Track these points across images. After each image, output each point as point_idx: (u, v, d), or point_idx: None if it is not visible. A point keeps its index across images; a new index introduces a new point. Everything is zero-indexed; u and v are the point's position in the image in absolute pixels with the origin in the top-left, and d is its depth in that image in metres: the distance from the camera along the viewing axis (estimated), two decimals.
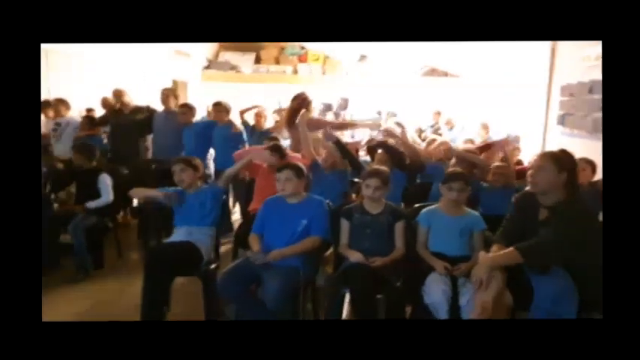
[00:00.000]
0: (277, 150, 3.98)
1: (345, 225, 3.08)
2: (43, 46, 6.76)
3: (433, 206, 3.08)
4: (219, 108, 5.48)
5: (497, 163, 4.01)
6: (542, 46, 6.41)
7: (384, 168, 3.26)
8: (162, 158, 4.99)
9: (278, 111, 7.82)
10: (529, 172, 2.58)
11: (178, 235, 3.27)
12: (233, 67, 12.14)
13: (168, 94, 5.59)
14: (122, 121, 5.57)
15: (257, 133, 6.11)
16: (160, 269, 2.94)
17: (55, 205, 4.54)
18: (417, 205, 3.31)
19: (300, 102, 4.86)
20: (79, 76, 7.73)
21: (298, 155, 4.27)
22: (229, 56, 12.36)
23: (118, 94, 5.75)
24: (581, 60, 4.72)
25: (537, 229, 2.51)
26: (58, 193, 4.63)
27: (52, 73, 7.17)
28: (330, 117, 9.88)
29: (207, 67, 12.19)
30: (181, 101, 5.83)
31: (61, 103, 5.89)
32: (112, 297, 3.72)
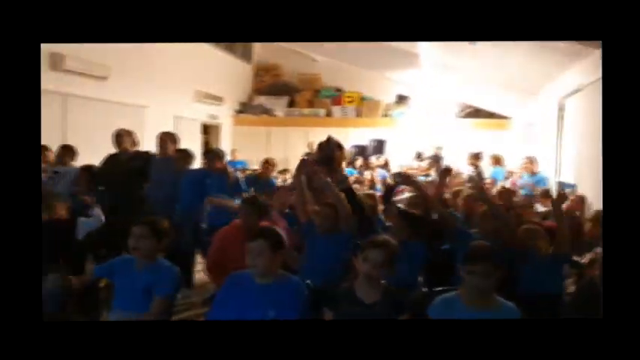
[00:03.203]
0: (252, 204, 3.23)
1: (328, 318, 2.29)
2: (60, 89, 6.71)
3: (452, 294, 2.27)
4: (211, 155, 4.88)
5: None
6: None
7: (392, 240, 2.42)
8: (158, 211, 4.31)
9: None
10: None
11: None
12: (266, 111, 11.77)
13: (165, 139, 5.02)
14: (119, 169, 4.95)
15: (261, 182, 5.41)
16: None
17: None
18: (436, 289, 2.52)
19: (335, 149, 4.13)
20: (102, 123, 7.40)
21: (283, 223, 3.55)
22: (263, 100, 12.03)
23: (122, 134, 5.08)
24: None
25: None
26: None
27: (70, 117, 6.90)
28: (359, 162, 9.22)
29: (240, 112, 11.88)
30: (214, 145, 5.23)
31: (66, 151, 5.41)
32: None
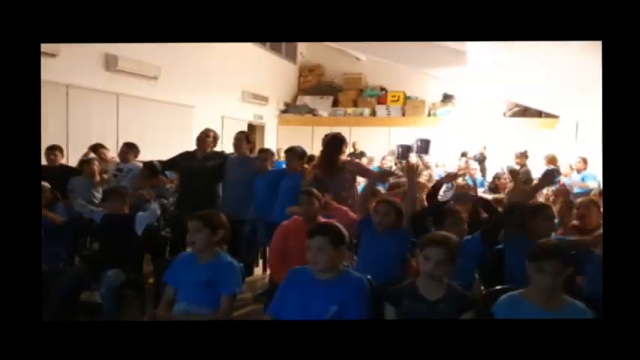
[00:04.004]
0: (311, 194, 3.21)
1: (390, 314, 2.24)
2: (113, 88, 6.92)
3: (517, 292, 2.18)
4: (291, 154, 4.69)
5: None
6: None
7: (453, 236, 2.33)
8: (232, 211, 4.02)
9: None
10: None
11: (174, 312, 2.60)
12: (310, 111, 11.82)
13: (241, 139, 4.94)
14: (194, 167, 4.89)
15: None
16: None
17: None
18: (497, 288, 2.44)
19: (339, 143, 4.18)
20: (152, 122, 7.64)
21: (344, 208, 3.54)
22: (307, 100, 12.10)
23: (206, 135, 5.01)
24: None
25: None
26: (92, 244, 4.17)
27: (121, 115, 7.12)
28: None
29: (285, 111, 11.97)
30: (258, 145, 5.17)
31: (129, 148, 5.50)
32: None
